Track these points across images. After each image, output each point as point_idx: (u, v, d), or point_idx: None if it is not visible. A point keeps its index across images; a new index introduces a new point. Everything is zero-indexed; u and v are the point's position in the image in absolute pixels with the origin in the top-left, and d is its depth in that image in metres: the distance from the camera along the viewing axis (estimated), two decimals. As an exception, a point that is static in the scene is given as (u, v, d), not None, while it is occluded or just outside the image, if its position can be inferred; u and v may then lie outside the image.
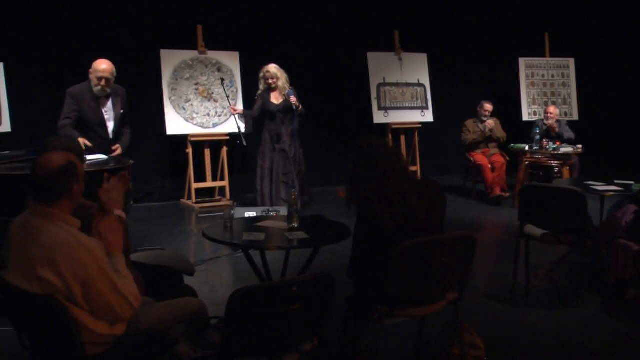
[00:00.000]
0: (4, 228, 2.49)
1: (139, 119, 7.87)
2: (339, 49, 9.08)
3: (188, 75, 7.69)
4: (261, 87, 7.21)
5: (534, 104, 9.45)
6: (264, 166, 7.11)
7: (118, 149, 5.31)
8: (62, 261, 2.25)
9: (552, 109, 8.42)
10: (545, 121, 8.28)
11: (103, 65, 5.16)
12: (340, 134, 9.06)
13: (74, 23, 7.41)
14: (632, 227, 4.43)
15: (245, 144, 6.71)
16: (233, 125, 7.49)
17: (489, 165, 8.15)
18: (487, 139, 8.37)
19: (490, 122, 8.33)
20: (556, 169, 7.97)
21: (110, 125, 5.32)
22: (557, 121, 8.33)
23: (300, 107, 6.96)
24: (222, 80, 7.35)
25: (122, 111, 5.39)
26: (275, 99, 7.09)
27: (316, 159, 9.13)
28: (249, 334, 2.37)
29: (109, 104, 5.31)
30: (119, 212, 2.66)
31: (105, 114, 5.29)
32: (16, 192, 3.68)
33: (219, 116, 7.78)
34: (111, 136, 5.33)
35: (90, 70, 5.19)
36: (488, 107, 8.38)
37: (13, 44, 7.07)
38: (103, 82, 5.14)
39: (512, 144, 8.15)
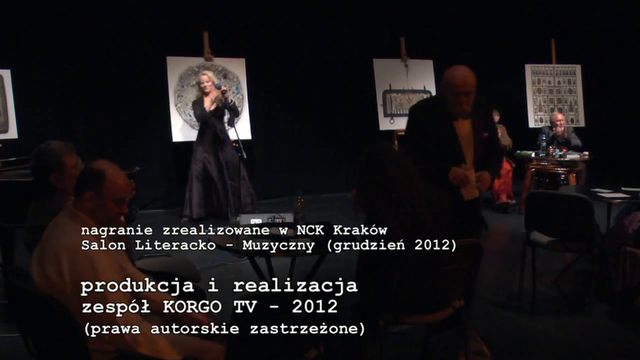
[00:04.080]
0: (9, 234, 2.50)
1: (144, 126, 7.96)
2: (345, 55, 9.09)
3: (194, 82, 7.71)
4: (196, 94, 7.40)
5: (540, 110, 9.41)
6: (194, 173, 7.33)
7: (484, 175, 3.71)
8: (65, 262, 2.30)
9: (560, 115, 8.40)
10: (556, 128, 8.25)
11: (464, 76, 3.59)
12: (346, 141, 9.07)
13: (80, 30, 7.45)
14: (639, 235, 4.41)
15: (245, 156, 6.72)
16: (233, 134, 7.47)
17: (495, 172, 8.12)
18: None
19: None
20: (563, 176, 7.95)
21: (469, 155, 3.73)
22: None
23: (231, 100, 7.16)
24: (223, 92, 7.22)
25: (485, 134, 3.78)
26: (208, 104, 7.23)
27: (322, 166, 9.15)
28: (254, 342, 2.36)
29: (468, 125, 3.73)
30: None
31: (462, 139, 3.72)
32: (20, 199, 3.68)
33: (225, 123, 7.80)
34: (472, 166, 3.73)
35: (445, 83, 3.69)
36: (494, 116, 8.34)
37: (20, 51, 7.11)
38: (465, 99, 3.61)
39: (519, 151, 8.12)
